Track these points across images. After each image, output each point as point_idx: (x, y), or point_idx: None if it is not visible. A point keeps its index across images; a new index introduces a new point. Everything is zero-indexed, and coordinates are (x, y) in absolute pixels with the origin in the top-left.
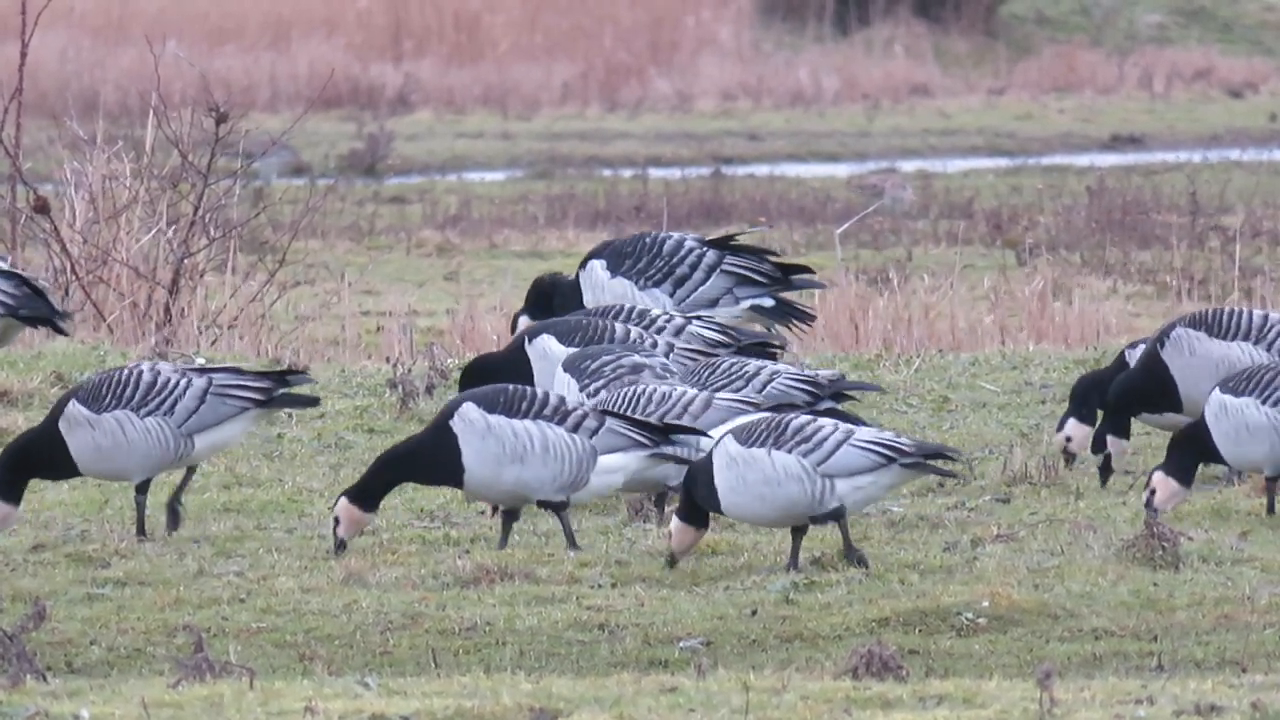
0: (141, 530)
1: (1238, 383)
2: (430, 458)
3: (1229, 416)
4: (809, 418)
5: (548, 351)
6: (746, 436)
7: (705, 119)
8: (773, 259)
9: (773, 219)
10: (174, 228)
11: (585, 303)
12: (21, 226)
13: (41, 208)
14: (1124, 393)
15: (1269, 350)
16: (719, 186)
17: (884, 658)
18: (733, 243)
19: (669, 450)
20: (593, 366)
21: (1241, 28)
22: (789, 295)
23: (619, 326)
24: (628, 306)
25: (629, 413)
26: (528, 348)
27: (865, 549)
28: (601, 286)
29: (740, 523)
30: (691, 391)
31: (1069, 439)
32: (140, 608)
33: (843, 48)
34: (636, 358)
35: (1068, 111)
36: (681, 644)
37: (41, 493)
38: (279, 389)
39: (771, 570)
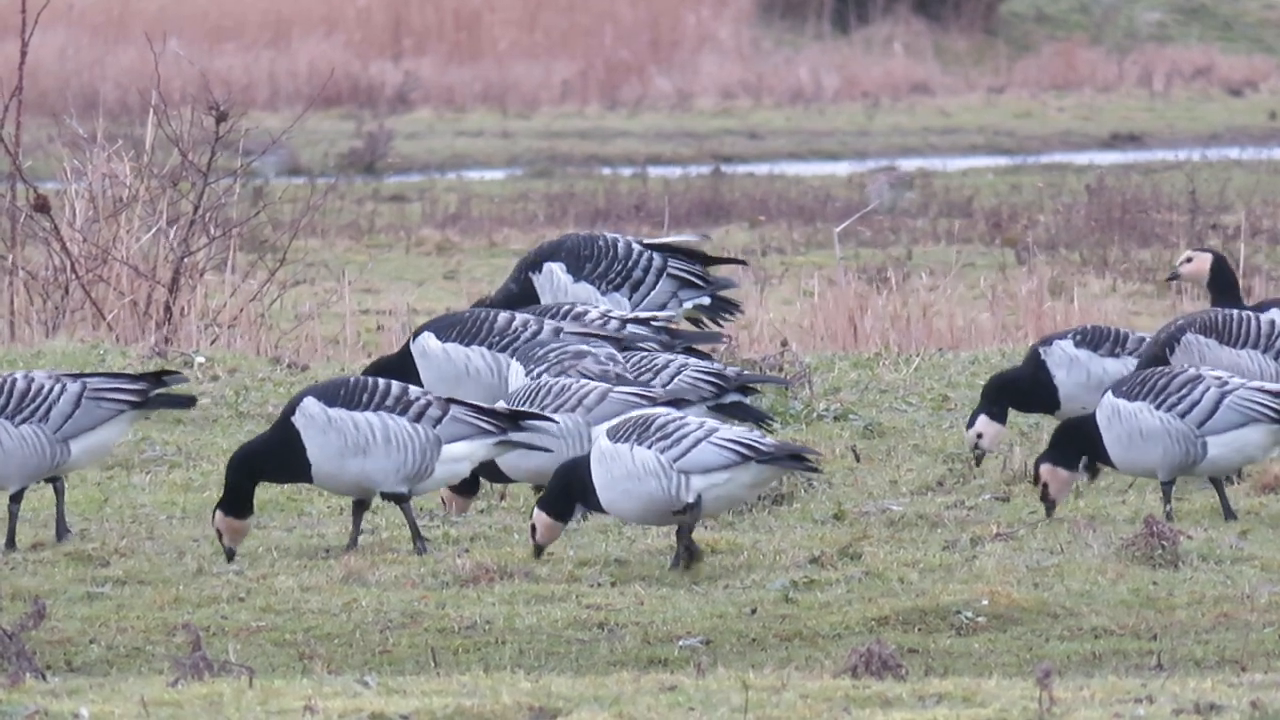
0: (11, 543)
1: (1131, 387)
2: (276, 455)
3: (1122, 421)
4: (679, 415)
5: (427, 349)
6: (616, 432)
7: (705, 117)
8: (703, 255)
9: (772, 217)
10: (174, 226)
11: (544, 304)
12: (21, 225)
13: (41, 206)
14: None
15: (1277, 359)
16: (719, 185)
17: (883, 656)
18: (669, 246)
19: (517, 437)
20: (539, 353)
21: (1241, 26)
22: (722, 294)
23: (500, 318)
24: (564, 305)
25: (529, 406)
26: (411, 346)
27: (865, 547)
28: (564, 289)
29: (619, 521)
30: (590, 385)
31: (980, 435)
32: (140, 606)
33: (842, 46)
34: (580, 345)
35: (1067, 110)
36: (681, 643)
37: (41, 492)
38: (154, 389)
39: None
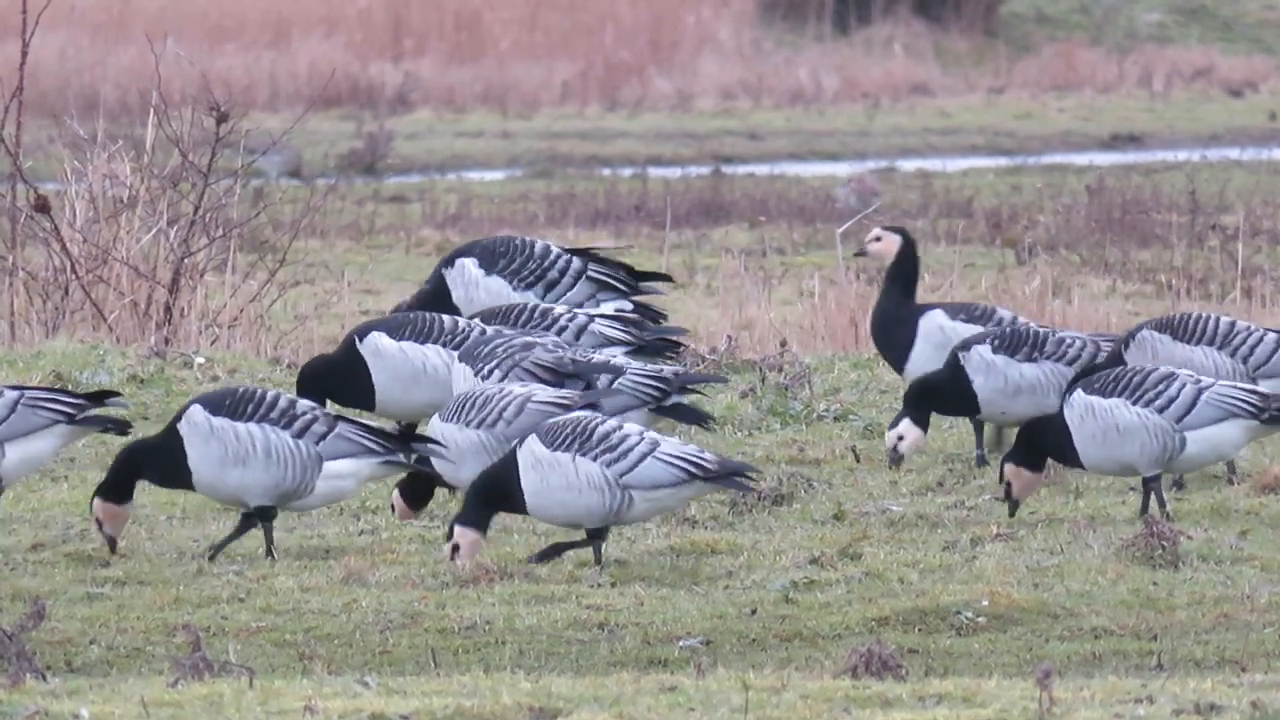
0: None
1: (1104, 384)
2: (161, 459)
3: (1096, 418)
4: (615, 423)
5: (380, 348)
6: (552, 439)
7: (705, 118)
8: (627, 267)
9: (772, 217)
10: (174, 227)
11: (455, 300)
12: (22, 225)
13: (42, 207)
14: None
15: (1233, 355)
16: (719, 185)
17: (883, 657)
18: (591, 253)
19: (401, 459)
20: (485, 351)
21: (1241, 26)
22: (643, 299)
23: (447, 319)
24: (530, 305)
25: (455, 415)
26: (359, 346)
27: (865, 548)
28: (476, 284)
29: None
30: (513, 393)
31: (900, 438)
32: (140, 607)
33: (842, 47)
34: (528, 338)
35: (1067, 110)
36: (681, 643)
37: (41, 492)
38: (92, 408)
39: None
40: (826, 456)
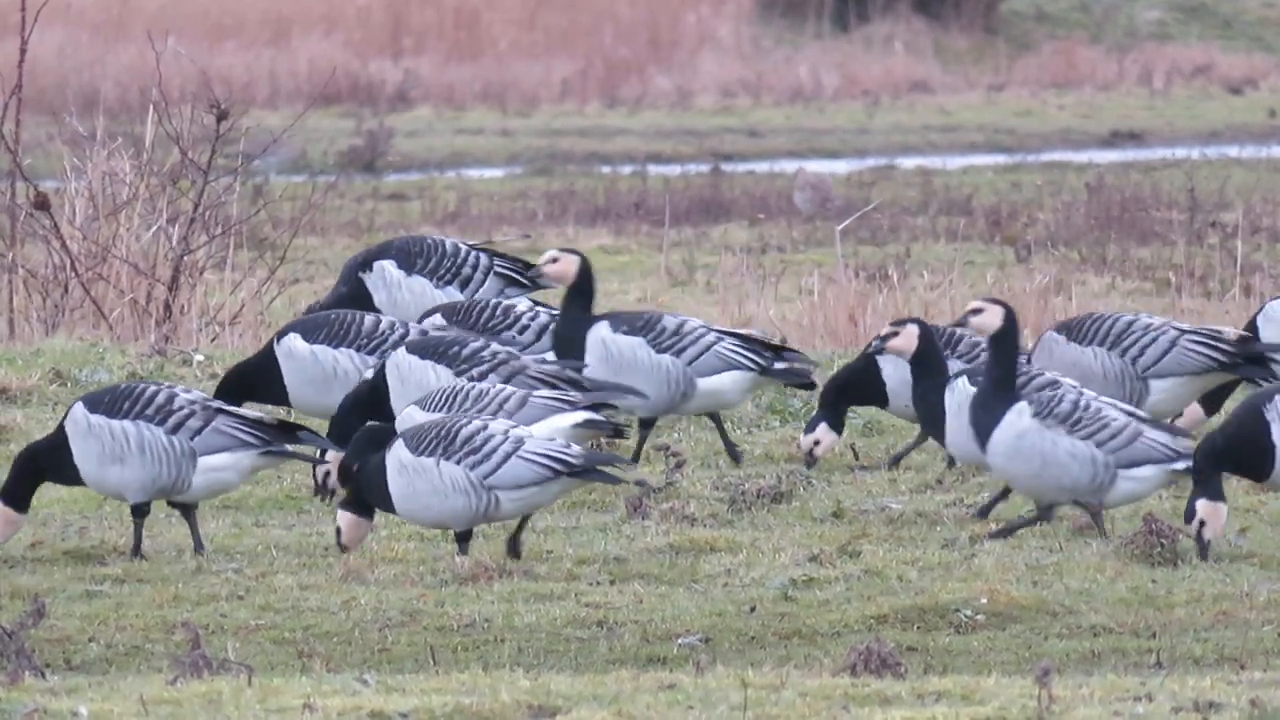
0: None
1: (1041, 409)
2: (50, 457)
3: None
4: (480, 424)
5: (293, 351)
6: (418, 443)
7: (705, 115)
8: (525, 261)
9: (772, 215)
10: (174, 225)
11: (378, 303)
12: (21, 223)
13: (41, 204)
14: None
15: (1123, 356)
16: (719, 183)
17: (882, 655)
18: (492, 247)
19: (282, 449)
20: (465, 353)
21: (1241, 24)
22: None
23: (369, 320)
24: (491, 303)
25: (446, 408)
26: (276, 348)
27: (864, 545)
28: (398, 285)
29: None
30: (509, 389)
31: (816, 443)
32: (139, 605)
33: (842, 44)
34: (492, 344)
35: (1067, 108)
36: (680, 641)
37: (41, 491)
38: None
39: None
40: (825, 454)
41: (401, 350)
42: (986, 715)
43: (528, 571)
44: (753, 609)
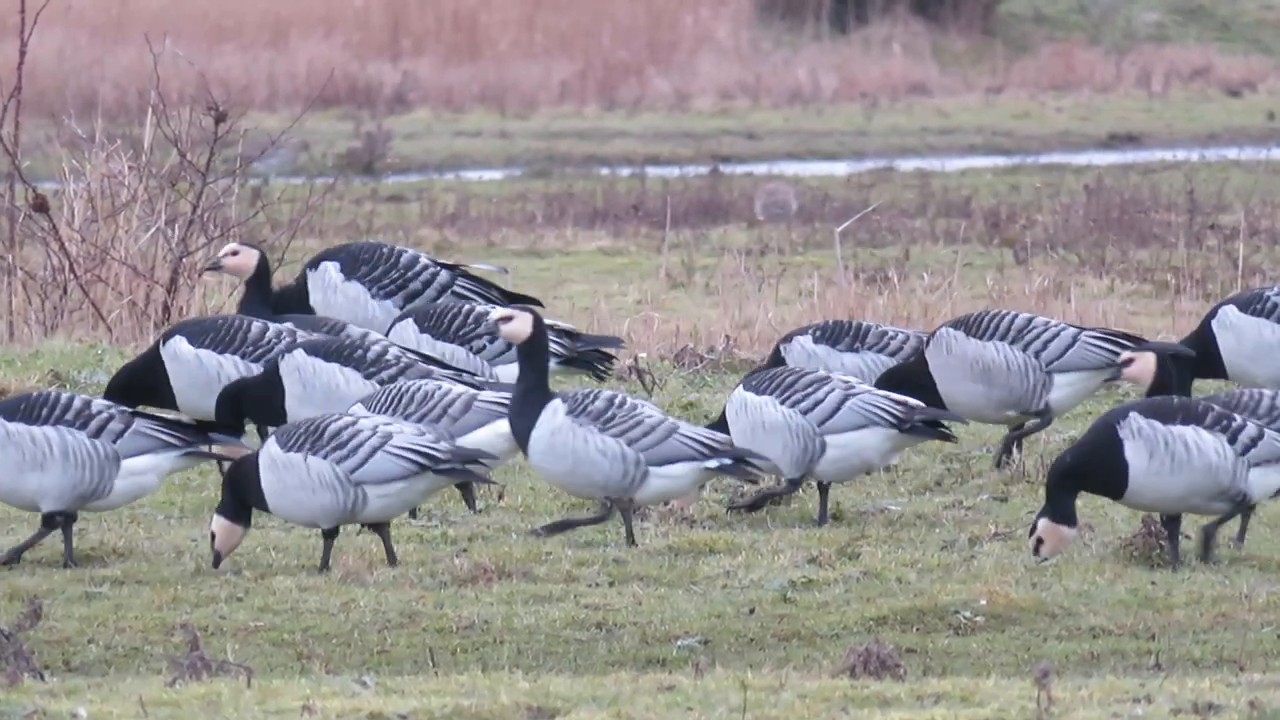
0: None
1: (760, 381)
2: None
3: (747, 413)
4: (350, 419)
5: (178, 354)
6: (288, 439)
7: (703, 118)
8: (499, 288)
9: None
10: (173, 226)
11: (312, 303)
12: (20, 225)
13: (40, 206)
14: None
15: (1026, 350)
16: (717, 185)
17: (881, 656)
18: (465, 268)
19: (203, 449)
20: (369, 356)
21: (1240, 26)
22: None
23: (257, 325)
24: (464, 308)
25: (390, 411)
26: (162, 350)
27: (863, 547)
28: (334, 288)
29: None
30: (456, 390)
31: None
32: (138, 606)
33: (841, 46)
34: (393, 347)
35: (1065, 110)
36: (679, 642)
37: None
38: None
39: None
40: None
41: (300, 352)
42: (985, 717)
43: (527, 573)
44: (752, 611)
